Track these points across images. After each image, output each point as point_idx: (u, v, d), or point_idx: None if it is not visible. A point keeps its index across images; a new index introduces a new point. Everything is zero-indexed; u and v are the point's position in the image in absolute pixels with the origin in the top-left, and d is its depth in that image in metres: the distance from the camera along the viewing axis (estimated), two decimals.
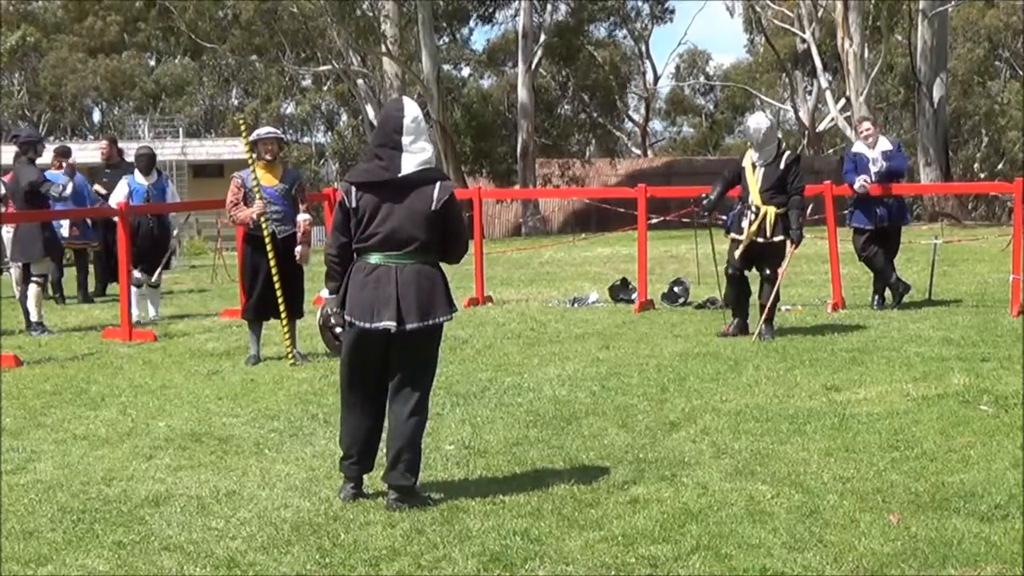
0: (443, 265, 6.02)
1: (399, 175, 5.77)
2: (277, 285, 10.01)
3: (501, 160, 41.25)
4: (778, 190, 10.54)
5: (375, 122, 34.14)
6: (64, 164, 15.16)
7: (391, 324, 5.77)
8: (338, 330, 7.40)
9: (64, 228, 14.74)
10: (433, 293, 5.84)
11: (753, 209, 10.54)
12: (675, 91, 58.37)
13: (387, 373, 5.93)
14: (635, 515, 5.64)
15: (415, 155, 5.79)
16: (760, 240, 10.55)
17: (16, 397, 8.98)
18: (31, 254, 12.52)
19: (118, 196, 13.22)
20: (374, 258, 5.84)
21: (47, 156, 14.89)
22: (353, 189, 5.86)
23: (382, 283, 5.80)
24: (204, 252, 24.90)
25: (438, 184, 5.82)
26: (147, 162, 13.44)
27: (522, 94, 36.05)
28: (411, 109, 5.87)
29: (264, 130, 10.40)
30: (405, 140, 5.78)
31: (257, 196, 9.95)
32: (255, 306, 10.20)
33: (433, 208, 5.77)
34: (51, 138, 41.28)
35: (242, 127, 10.22)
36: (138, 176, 13.33)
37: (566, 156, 43.82)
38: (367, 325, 5.82)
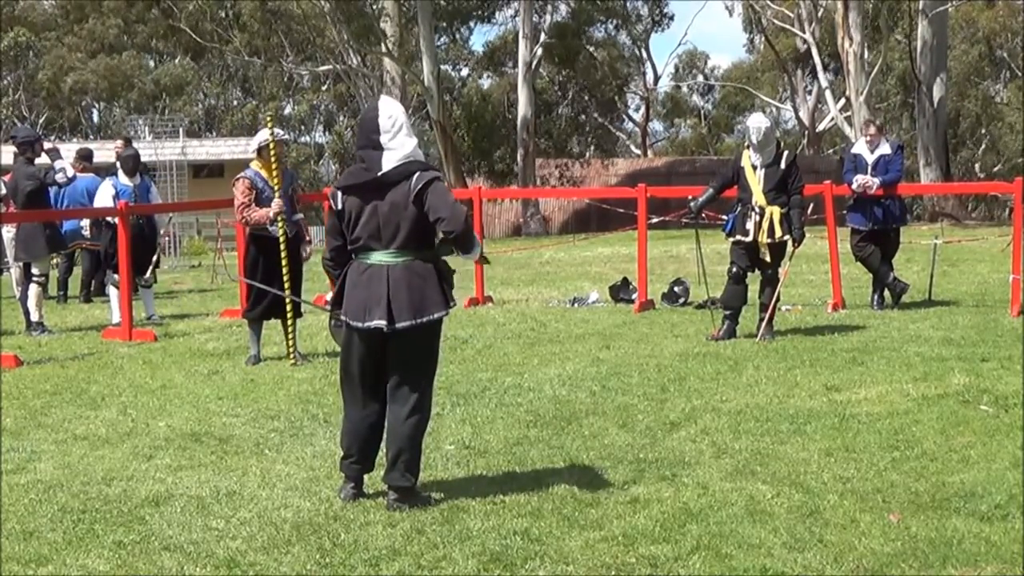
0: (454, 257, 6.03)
1: (379, 173, 5.80)
2: (288, 284, 9.96)
3: (500, 160, 41.26)
4: (780, 190, 10.56)
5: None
6: (86, 167, 15.24)
7: (382, 323, 5.79)
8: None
9: (85, 229, 14.76)
10: (425, 290, 5.83)
11: (757, 210, 10.55)
12: (675, 91, 58.39)
13: (385, 371, 5.94)
14: (635, 515, 5.64)
15: (395, 151, 5.81)
16: (768, 241, 10.56)
17: (16, 397, 8.98)
18: (34, 253, 12.52)
19: (104, 197, 13.17)
20: (366, 258, 5.88)
21: (59, 156, 14.91)
22: (339, 193, 5.92)
23: (374, 282, 5.83)
24: (204, 252, 24.89)
25: (415, 176, 5.80)
26: (132, 163, 13.39)
27: (522, 94, 36.04)
28: (385, 107, 5.90)
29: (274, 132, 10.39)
30: (384, 139, 5.82)
31: (277, 195, 9.95)
32: (263, 307, 10.15)
33: (411, 199, 5.77)
34: (51, 137, 41.32)
35: (269, 122, 10.16)
36: (122, 177, 13.26)
37: (566, 156, 43.81)
38: (360, 324, 5.86)
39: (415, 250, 5.84)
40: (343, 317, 5.96)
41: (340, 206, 5.90)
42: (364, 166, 5.86)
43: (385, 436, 5.98)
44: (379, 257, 5.84)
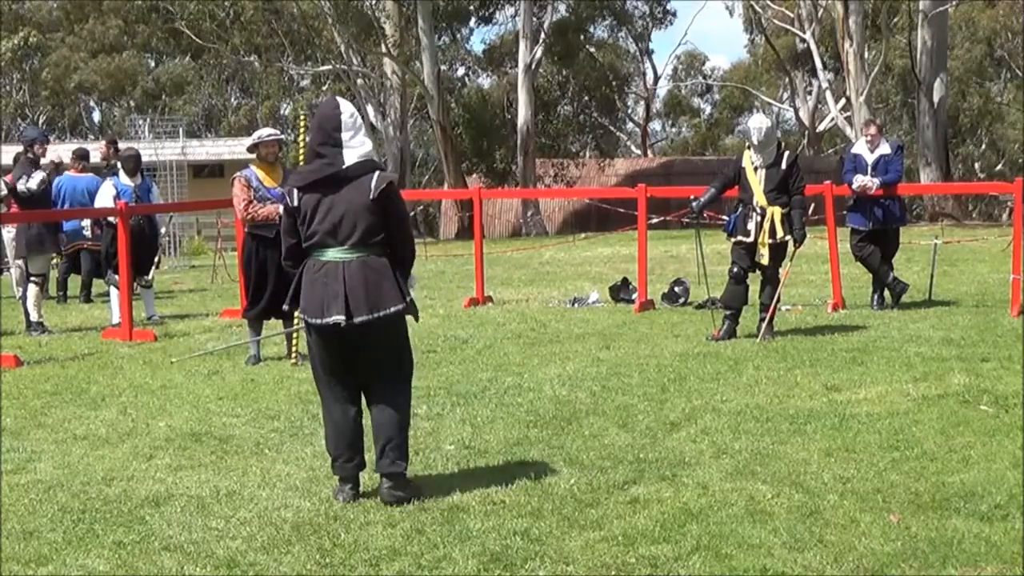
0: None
1: (342, 167, 5.85)
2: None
3: (500, 160, 41.24)
4: (781, 191, 10.56)
5: (368, 122, 33.73)
6: (84, 167, 15.25)
7: (340, 318, 5.82)
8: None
9: (86, 229, 14.73)
10: (381, 285, 5.87)
11: (759, 211, 10.55)
12: (675, 91, 58.40)
13: (355, 366, 5.99)
14: (635, 515, 5.64)
15: (355, 149, 5.88)
16: (770, 241, 10.57)
17: (16, 397, 8.98)
18: (19, 252, 12.64)
19: (105, 198, 13.16)
20: (321, 255, 5.91)
21: (50, 156, 14.94)
22: (295, 191, 5.95)
23: (330, 278, 5.86)
24: (204, 252, 24.89)
25: (375, 174, 5.89)
26: (134, 163, 13.39)
27: (522, 94, 36.01)
28: (347, 107, 5.98)
29: (265, 132, 10.40)
30: (344, 136, 5.87)
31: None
32: (264, 308, 10.14)
33: (371, 197, 5.83)
34: (51, 137, 41.37)
35: (302, 122, 10.15)
36: (123, 177, 13.26)
37: (565, 156, 43.78)
38: (318, 321, 5.90)
39: (370, 246, 5.88)
40: (301, 315, 6.02)
41: (296, 203, 5.92)
42: (326, 161, 5.89)
43: (372, 431, 5.99)
44: (334, 254, 5.88)
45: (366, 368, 5.96)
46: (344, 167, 5.85)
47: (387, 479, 5.90)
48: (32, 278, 12.49)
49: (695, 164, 41.49)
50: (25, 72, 49.05)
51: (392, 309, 5.89)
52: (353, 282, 5.83)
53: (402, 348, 6.06)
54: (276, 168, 10.23)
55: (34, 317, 12.44)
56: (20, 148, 13.47)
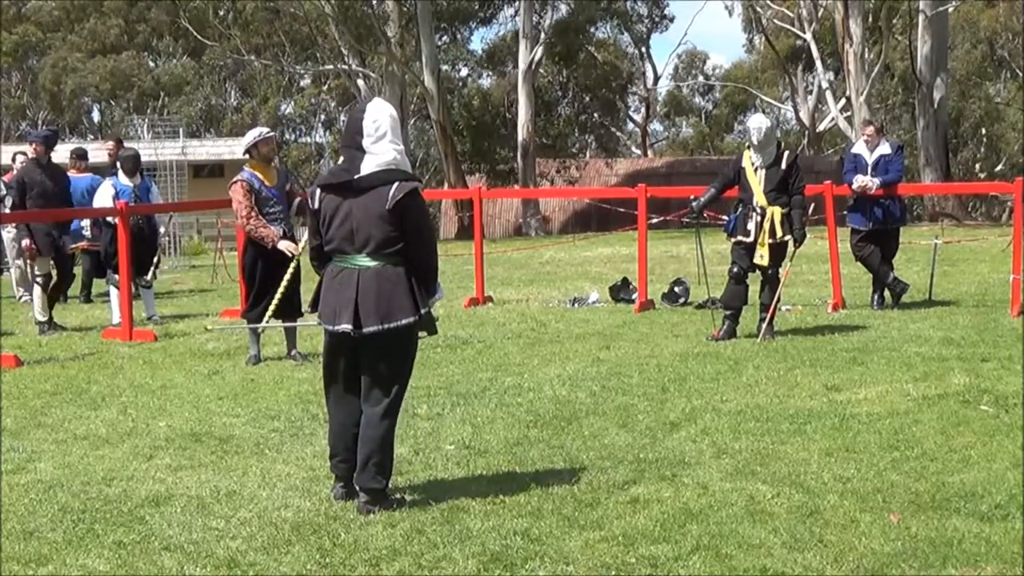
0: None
1: (356, 176, 5.76)
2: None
3: (501, 160, 41.24)
4: (780, 191, 10.56)
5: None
6: (83, 166, 15.25)
7: (347, 327, 5.78)
8: None
9: (86, 229, 14.75)
10: (394, 296, 5.78)
11: (759, 211, 10.55)
12: (676, 91, 58.41)
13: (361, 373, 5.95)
14: (635, 515, 5.64)
15: (377, 156, 5.75)
16: (770, 241, 10.57)
17: (16, 397, 8.98)
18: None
19: (104, 198, 13.15)
20: (341, 260, 5.86)
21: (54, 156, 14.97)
22: (318, 191, 5.90)
23: (344, 285, 5.81)
24: (204, 252, 24.88)
25: (395, 184, 5.74)
26: (133, 163, 13.36)
27: (522, 94, 36.00)
28: (372, 111, 5.81)
29: (264, 130, 10.38)
30: (366, 142, 5.75)
31: (283, 231, 9.99)
32: (263, 307, 10.13)
33: (387, 208, 5.71)
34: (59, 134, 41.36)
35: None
36: (122, 177, 13.24)
37: (566, 156, 43.79)
38: (330, 327, 5.88)
39: (386, 255, 5.79)
40: (317, 320, 6.01)
41: (317, 205, 5.88)
42: (344, 167, 5.83)
43: (359, 438, 5.90)
44: (351, 261, 5.81)
45: (366, 375, 5.90)
46: (359, 176, 5.73)
47: (365, 493, 5.84)
48: (36, 278, 12.49)
49: (696, 164, 41.46)
50: (25, 71, 49.09)
51: (403, 321, 5.79)
52: (366, 291, 5.76)
53: (404, 363, 5.94)
54: (271, 168, 10.21)
55: (40, 317, 12.43)
56: (22, 147, 13.50)
